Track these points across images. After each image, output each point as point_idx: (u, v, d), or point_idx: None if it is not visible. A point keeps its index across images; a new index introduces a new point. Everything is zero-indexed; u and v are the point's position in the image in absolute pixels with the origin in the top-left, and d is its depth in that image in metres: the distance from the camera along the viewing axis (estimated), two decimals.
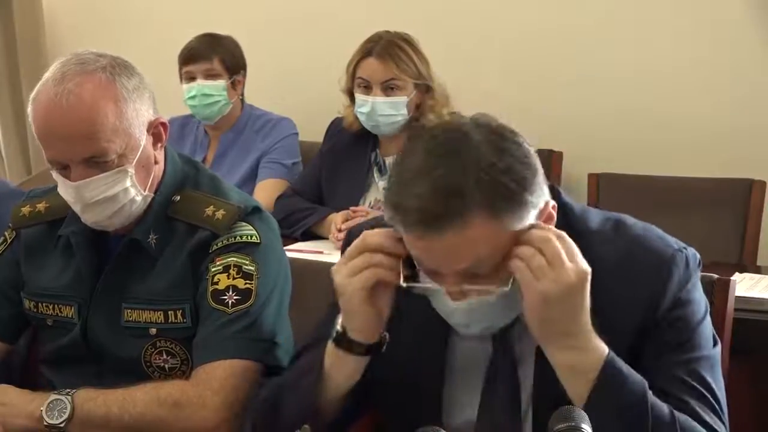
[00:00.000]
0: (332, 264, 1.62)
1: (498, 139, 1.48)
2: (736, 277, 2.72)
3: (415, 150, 1.50)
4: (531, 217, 1.49)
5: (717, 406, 1.58)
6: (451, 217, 1.44)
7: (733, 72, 3.79)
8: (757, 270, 3.16)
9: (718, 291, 1.87)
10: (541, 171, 1.51)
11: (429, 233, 1.46)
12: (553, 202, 1.55)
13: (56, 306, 2.01)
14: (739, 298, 2.06)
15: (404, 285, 1.55)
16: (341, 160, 3.55)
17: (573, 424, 1.31)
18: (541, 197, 1.51)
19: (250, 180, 3.84)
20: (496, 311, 1.55)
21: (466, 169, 1.44)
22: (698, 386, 1.57)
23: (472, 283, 1.50)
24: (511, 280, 1.50)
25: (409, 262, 1.55)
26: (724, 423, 1.59)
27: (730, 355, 1.86)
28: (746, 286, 2.75)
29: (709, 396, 1.57)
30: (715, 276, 1.88)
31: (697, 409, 1.55)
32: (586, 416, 1.33)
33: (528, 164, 1.48)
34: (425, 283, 1.55)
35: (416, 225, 1.46)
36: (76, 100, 1.82)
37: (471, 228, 1.44)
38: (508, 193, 1.45)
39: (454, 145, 1.47)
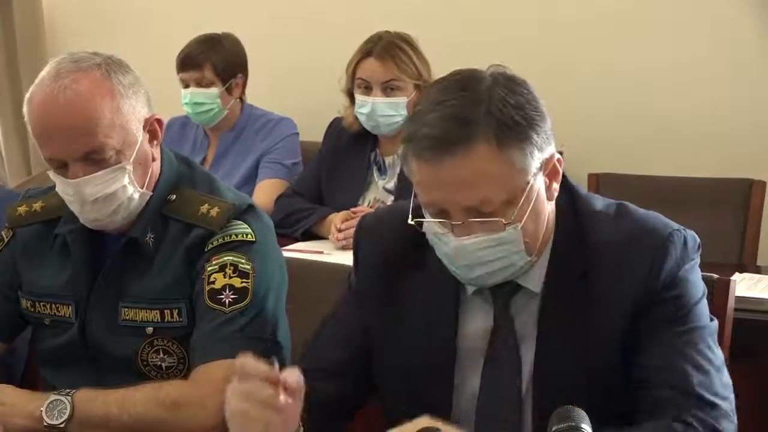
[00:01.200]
0: (332, 264, 1.64)
1: (510, 83, 1.56)
2: (736, 277, 2.72)
3: (431, 90, 1.58)
4: (536, 160, 1.55)
5: (716, 375, 1.58)
6: (459, 142, 1.50)
7: (733, 72, 3.79)
8: (757, 270, 3.16)
9: (718, 291, 1.87)
10: (549, 121, 1.58)
11: (438, 158, 1.51)
12: (558, 156, 1.61)
13: (53, 305, 2.01)
14: (739, 298, 2.06)
15: (412, 221, 1.60)
16: (341, 160, 3.54)
17: (573, 424, 1.32)
18: (548, 145, 1.58)
19: (250, 180, 3.83)
20: (497, 255, 1.57)
21: (477, 101, 1.52)
22: (696, 356, 1.58)
23: (478, 218, 1.54)
24: (516, 224, 1.54)
25: (415, 212, 1.60)
26: (718, 391, 1.57)
27: (730, 356, 1.86)
28: (746, 286, 2.75)
29: (706, 365, 1.58)
30: (715, 276, 1.88)
31: (692, 380, 1.55)
32: (586, 416, 1.34)
33: (536, 108, 1.56)
34: (431, 219, 1.58)
35: (426, 150, 1.52)
36: (72, 95, 1.82)
37: (478, 155, 1.50)
38: (516, 126, 1.52)
39: (467, 83, 1.56)
